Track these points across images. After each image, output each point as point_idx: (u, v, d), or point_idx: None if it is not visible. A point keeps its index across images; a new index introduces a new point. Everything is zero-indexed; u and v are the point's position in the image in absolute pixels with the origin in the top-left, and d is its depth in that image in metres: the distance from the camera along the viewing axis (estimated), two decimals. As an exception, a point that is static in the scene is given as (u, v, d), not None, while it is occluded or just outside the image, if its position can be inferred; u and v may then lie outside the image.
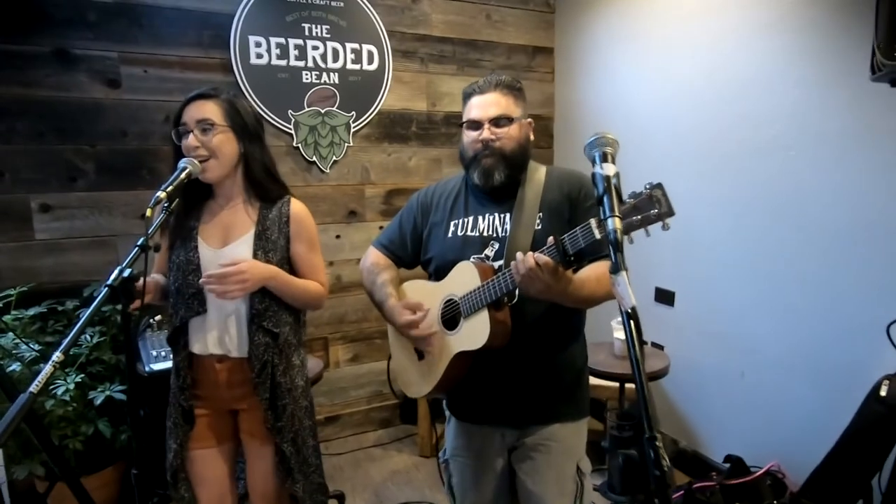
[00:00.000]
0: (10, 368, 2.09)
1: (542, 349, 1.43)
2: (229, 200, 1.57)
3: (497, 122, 1.39)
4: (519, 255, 1.18)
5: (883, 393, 1.65)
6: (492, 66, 3.30)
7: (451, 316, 1.43)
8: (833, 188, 2.10)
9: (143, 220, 1.24)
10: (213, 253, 1.52)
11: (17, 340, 2.15)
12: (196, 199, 1.57)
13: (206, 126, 1.46)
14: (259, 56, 2.72)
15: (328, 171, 2.95)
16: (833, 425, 1.97)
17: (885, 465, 1.77)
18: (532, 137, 1.48)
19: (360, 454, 3.00)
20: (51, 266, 2.45)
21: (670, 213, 0.93)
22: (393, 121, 3.10)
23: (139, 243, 1.24)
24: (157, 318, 2.37)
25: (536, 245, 1.31)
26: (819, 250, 2.16)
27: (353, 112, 2.96)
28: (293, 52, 2.78)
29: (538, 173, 1.46)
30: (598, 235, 1.05)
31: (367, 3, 2.92)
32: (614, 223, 0.82)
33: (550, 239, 1.15)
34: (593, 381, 1.84)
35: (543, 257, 1.14)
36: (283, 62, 2.77)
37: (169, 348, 1.62)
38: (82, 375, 2.14)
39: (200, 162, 1.46)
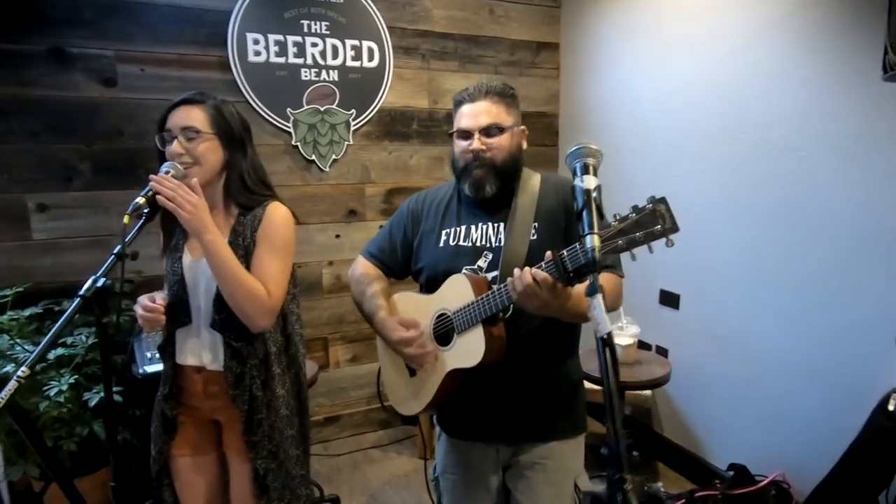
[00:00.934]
0: (5, 370, 2.09)
1: (537, 363, 1.39)
2: (212, 208, 1.52)
3: (488, 131, 1.35)
4: (516, 271, 1.13)
5: (891, 407, 1.58)
6: (495, 63, 3.24)
7: (444, 331, 1.38)
8: (842, 191, 2.02)
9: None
10: (193, 262, 1.49)
11: (13, 342, 2.15)
12: None
13: (191, 134, 1.42)
14: (257, 53, 2.69)
15: (327, 169, 2.92)
16: (840, 436, 1.91)
17: (892, 481, 1.71)
18: (525, 145, 1.44)
19: (358, 455, 2.98)
20: (48, 266, 2.44)
21: (674, 228, 0.90)
22: (394, 118, 3.05)
23: (115, 251, 1.22)
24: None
25: (532, 255, 1.28)
26: (828, 256, 2.09)
27: (353, 110, 2.91)
28: (292, 50, 2.74)
29: (532, 181, 1.42)
30: (598, 253, 0.97)
31: (366, -2, 2.87)
32: (593, 241, 0.77)
33: (549, 254, 1.10)
34: (592, 386, 1.79)
35: (542, 273, 1.09)
36: (281, 59, 2.73)
37: None
38: (76, 376, 2.13)
39: (185, 165, 1.42)
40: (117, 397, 2.17)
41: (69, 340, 2.24)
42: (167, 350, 1.53)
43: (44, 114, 2.40)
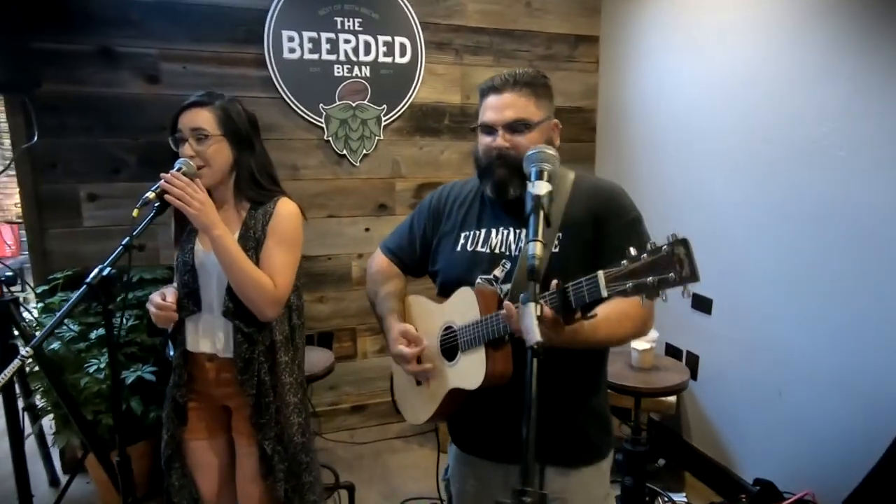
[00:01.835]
0: (52, 347, 2.27)
1: (555, 386, 1.22)
2: (223, 204, 1.59)
3: (513, 127, 1.21)
4: (507, 305, 1.00)
5: (918, 431, 1.46)
6: (530, 57, 3.20)
7: (451, 346, 1.28)
8: (888, 195, 1.88)
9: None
10: (204, 255, 1.56)
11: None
12: None
13: (200, 135, 1.48)
14: (292, 51, 2.76)
15: (358, 164, 2.98)
16: (875, 456, 1.79)
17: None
18: (558, 142, 1.29)
19: (381, 445, 3.05)
20: (96, 251, 2.62)
21: (693, 278, 0.77)
22: (425, 114, 3.07)
23: (124, 243, 1.30)
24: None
25: (552, 270, 1.11)
26: (870, 264, 1.94)
27: (385, 105, 2.95)
28: (325, 46, 2.81)
29: (565, 183, 1.26)
30: (605, 293, 0.88)
31: (400, -6, 2.89)
32: (535, 248, 0.76)
33: (554, 283, 0.97)
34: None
35: (545, 309, 0.94)
36: (314, 56, 2.80)
37: None
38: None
39: (196, 168, 1.49)
40: (151, 377, 2.31)
41: (111, 322, 2.40)
42: (177, 339, 1.62)
43: (94, 109, 2.57)
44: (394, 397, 1.54)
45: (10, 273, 2.07)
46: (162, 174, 1.39)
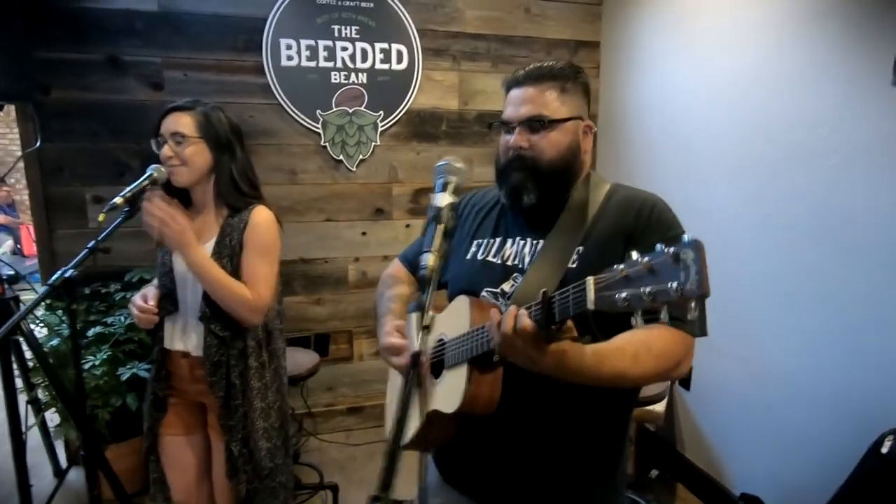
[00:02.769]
0: (52, 343, 2.37)
1: (559, 423, 1.07)
2: (203, 207, 1.66)
3: (531, 124, 1.07)
4: (493, 312, 0.87)
5: (884, 450, 1.42)
6: (528, 63, 3.18)
7: (440, 360, 1.13)
8: (878, 203, 1.82)
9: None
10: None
11: (62, 319, 2.44)
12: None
13: (179, 139, 1.56)
14: (290, 58, 2.83)
15: (355, 169, 3.02)
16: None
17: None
18: (589, 146, 1.15)
19: (376, 447, 3.08)
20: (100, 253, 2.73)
21: (699, 290, 0.59)
22: (423, 119, 3.10)
23: (90, 246, 1.36)
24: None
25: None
26: (866, 277, 1.88)
27: (381, 111, 2.99)
28: (322, 54, 2.86)
29: (596, 193, 1.12)
30: (591, 305, 0.72)
31: (397, 2, 2.93)
32: (426, 259, 0.77)
33: (542, 292, 0.81)
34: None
35: (524, 320, 0.81)
36: (312, 63, 2.86)
37: None
38: (108, 353, 2.37)
39: (173, 166, 1.56)
40: (145, 374, 2.39)
41: (109, 320, 2.50)
42: (156, 336, 1.69)
43: (100, 115, 2.67)
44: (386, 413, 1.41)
45: (11, 272, 2.18)
46: (144, 204, 1.48)
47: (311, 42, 2.84)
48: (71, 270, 1.27)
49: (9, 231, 7.40)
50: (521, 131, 1.08)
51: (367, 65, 2.93)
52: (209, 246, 1.59)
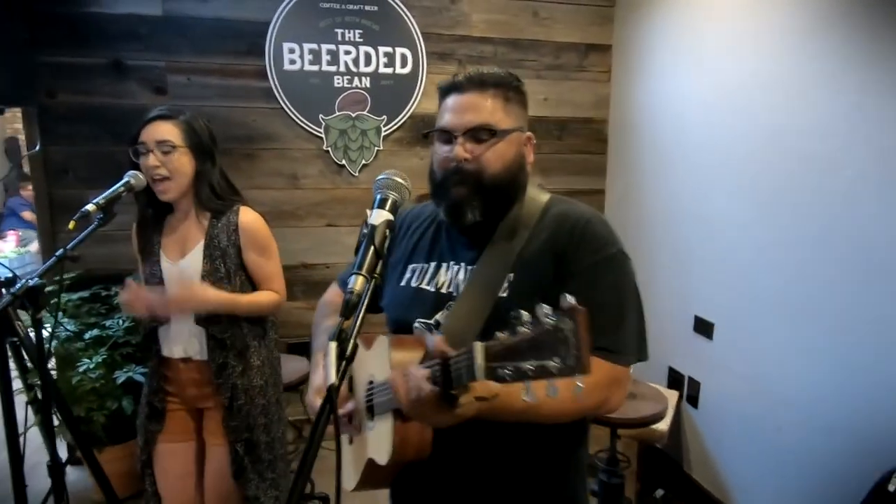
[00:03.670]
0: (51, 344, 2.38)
1: (501, 455, 1.02)
2: (186, 214, 1.64)
3: (475, 134, 0.99)
4: (395, 375, 0.81)
5: (892, 487, 1.31)
6: (537, 66, 3.12)
7: (371, 404, 1.04)
8: (890, 218, 1.70)
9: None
10: (171, 265, 1.62)
11: (60, 322, 2.45)
12: (159, 213, 1.68)
13: (167, 148, 1.54)
14: (292, 62, 2.81)
15: (357, 174, 2.99)
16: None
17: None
18: (531, 158, 1.08)
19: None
20: (101, 255, 2.74)
21: (578, 369, 0.56)
22: (427, 125, 3.04)
23: (58, 254, 1.34)
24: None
25: (496, 320, 0.89)
26: (886, 299, 1.76)
27: (385, 116, 2.95)
28: (325, 58, 2.84)
29: (532, 208, 1.04)
30: (480, 373, 0.66)
31: (401, 5, 2.89)
32: (354, 282, 0.71)
33: (439, 349, 0.75)
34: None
35: (424, 388, 0.75)
36: (315, 67, 2.83)
37: None
38: (104, 356, 2.37)
39: (159, 180, 1.54)
40: (141, 378, 2.39)
41: (107, 323, 2.51)
42: (151, 347, 1.68)
43: (104, 119, 2.69)
44: None
45: (9, 274, 2.19)
46: (169, 302, 1.55)
47: (314, 46, 2.82)
48: (35, 279, 1.25)
49: (35, 229, 7.59)
50: (463, 141, 0.99)
51: (371, 69, 2.90)
52: (198, 249, 1.59)
